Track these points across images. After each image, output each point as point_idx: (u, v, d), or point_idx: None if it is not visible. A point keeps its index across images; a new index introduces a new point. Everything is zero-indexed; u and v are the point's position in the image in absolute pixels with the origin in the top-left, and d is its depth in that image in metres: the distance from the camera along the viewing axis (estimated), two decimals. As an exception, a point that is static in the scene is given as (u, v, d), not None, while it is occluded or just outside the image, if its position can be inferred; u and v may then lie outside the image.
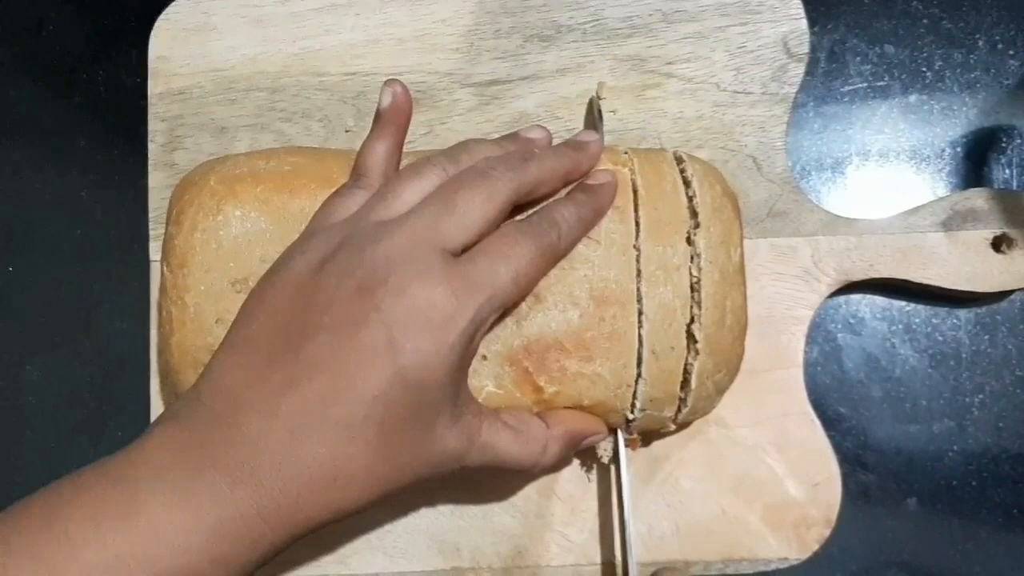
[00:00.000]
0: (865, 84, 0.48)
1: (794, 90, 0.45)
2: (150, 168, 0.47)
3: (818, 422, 0.43)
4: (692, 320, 0.38)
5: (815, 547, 0.43)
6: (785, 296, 0.44)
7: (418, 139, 0.46)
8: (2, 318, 0.50)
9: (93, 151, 0.51)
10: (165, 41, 0.47)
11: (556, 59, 0.46)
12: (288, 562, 0.44)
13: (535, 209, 0.37)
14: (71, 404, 0.49)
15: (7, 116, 0.51)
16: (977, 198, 0.44)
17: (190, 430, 0.32)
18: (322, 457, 0.31)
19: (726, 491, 0.43)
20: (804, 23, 0.46)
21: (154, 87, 0.47)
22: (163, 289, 0.39)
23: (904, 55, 0.48)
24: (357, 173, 0.38)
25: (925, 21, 0.49)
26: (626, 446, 0.41)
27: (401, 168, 0.39)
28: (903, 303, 0.47)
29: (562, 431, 0.37)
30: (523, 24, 0.47)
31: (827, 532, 0.43)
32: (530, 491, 0.44)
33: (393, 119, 0.39)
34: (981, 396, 0.46)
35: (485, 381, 0.37)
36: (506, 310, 0.36)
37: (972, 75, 0.48)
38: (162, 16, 0.47)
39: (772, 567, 0.43)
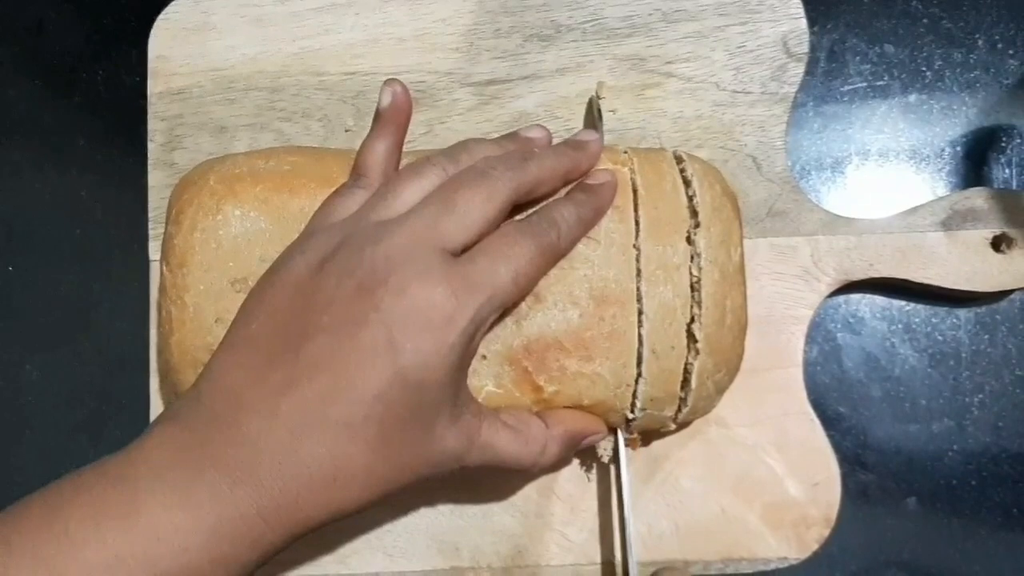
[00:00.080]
0: (865, 84, 0.48)
1: (794, 90, 0.45)
2: (150, 167, 0.47)
3: (818, 422, 0.43)
4: (692, 320, 0.38)
5: (815, 547, 0.43)
6: (785, 295, 0.44)
7: (418, 138, 0.46)
8: (2, 318, 0.50)
9: (93, 150, 0.51)
10: (165, 41, 0.47)
11: (556, 59, 0.46)
12: (288, 562, 0.44)
13: (535, 209, 0.37)
14: (71, 403, 0.49)
15: (7, 115, 0.51)
16: (977, 198, 0.44)
17: (190, 430, 0.32)
18: (322, 457, 0.31)
19: (726, 491, 0.43)
20: (804, 23, 0.46)
21: (154, 86, 0.47)
22: (163, 288, 0.39)
23: (904, 55, 0.48)
24: (357, 173, 0.38)
25: (925, 21, 0.49)
26: (626, 446, 0.41)
27: (401, 168, 0.39)
28: (903, 303, 0.47)
29: (562, 431, 0.37)
30: (523, 24, 0.47)
31: (827, 532, 0.43)
32: (530, 491, 0.44)
33: (393, 119, 0.39)
34: (981, 396, 0.46)
35: (485, 381, 0.37)
36: (506, 310, 0.36)
37: (972, 74, 0.48)
38: (162, 16, 0.47)
39: (772, 567, 0.43)
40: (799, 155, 0.48)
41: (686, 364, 0.38)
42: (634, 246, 0.38)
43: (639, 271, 0.37)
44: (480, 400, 0.37)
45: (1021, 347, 0.46)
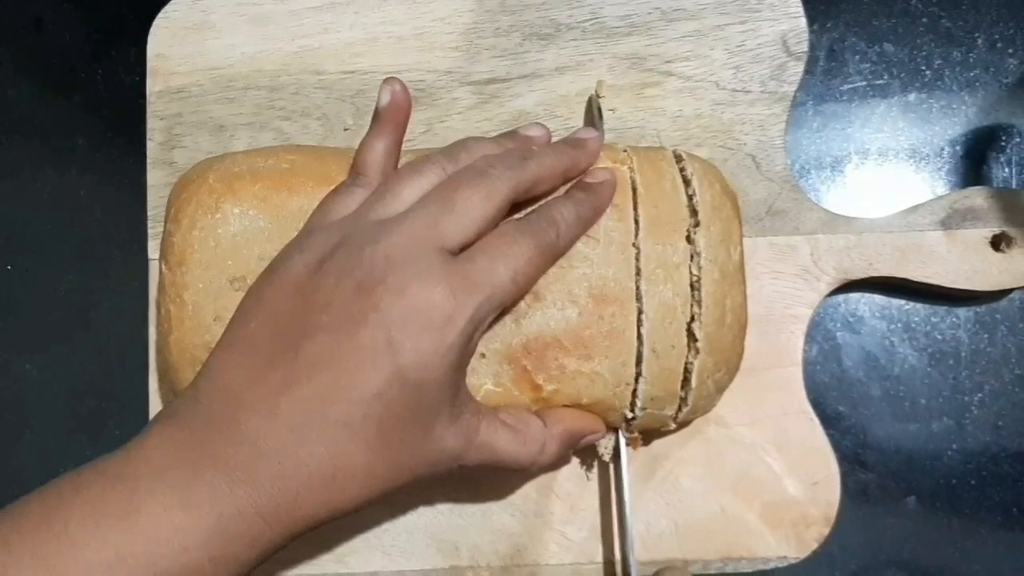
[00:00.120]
0: (864, 82, 0.48)
1: (793, 88, 0.45)
2: (149, 166, 0.47)
3: (817, 421, 0.43)
4: (692, 319, 0.38)
5: (814, 546, 0.43)
6: (784, 294, 0.44)
7: (417, 137, 0.46)
8: (1, 317, 0.50)
9: (92, 150, 0.51)
10: (164, 39, 0.47)
11: (555, 57, 0.46)
12: (287, 561, 0.44)
13: (534, 207, 0.37)
14: (70, 402, 0.49)
15: (6, 115, 0.51)
16: (976, 196, 0.44)
17: (189, 429, 0.32)
18: (321, 456, 0.31)
19: (725, 490, 0.43)
20: (803, 21, 0.46)
21: (153, 85, 0.47)
22: (161, 287, 0.39)
23: (903, 53, 0.48)
24: (355, 171, 0.38)
25: (924, 20, 0.49)
26: (627, 445, 0.41)
27: (400, 166, 0.39)
28: (902, 302, 0.47)
29: (560, 430, 0.37)
30: (522, 22, 0.47)
31: (826, 531, 0.43)
32: (529, 490, 0.44)
33: (392, 117, 0.39)
34: (980, 395, 0.46)
35: (484, 379, 0.37)
36: (505, 308, 0.36)
37: (971, 73, 0.48)
38: (161, 14, 0.47)
39: (771, 566, 0.43)
40: (799, 154, 0.48)
41: (686, 363, 0.38)
42: (633, 245, 0.38)
43: (639, 270, 0.37)
44: (479, 399, 0.37)
45: (1021, 346, 0.46)
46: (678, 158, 0.40)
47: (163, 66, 0.47)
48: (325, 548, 0.44)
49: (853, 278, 0.44)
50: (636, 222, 0.38)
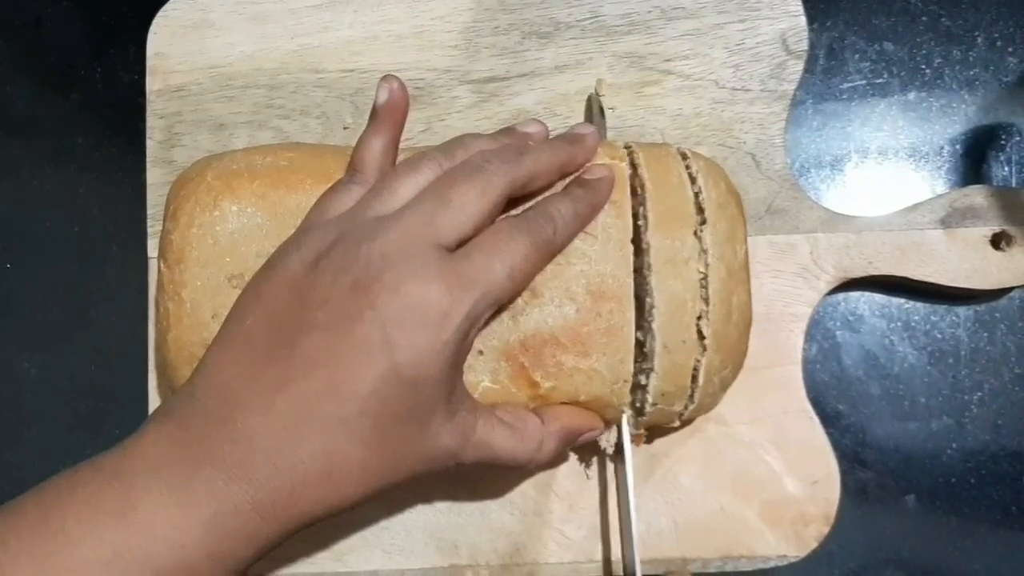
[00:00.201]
0: (864, 81, 0.48)
1: (793, 87, 0.45)
2: (148, 165, 0.47)
3: (817, 419, 0.43)
4: (700, 316, 0.37)
5: (813, 544, 0.43)
6: (784, 293, 0.44)
7: (416, 136, 0.46)
8: (1, 316, 0.50)
9: (91, 148, 0.51)
10: (163, 38, 0.47)
11: (555, 56, 0.46)
12: (285, 559, 0.44)
13: (531, 203, 0.37)
14: (69, 401, 0.49)
15: (5, 113, 0.51)
16: (976, 195, 0.44)
17: (185, 427, 0.32)
18: (317, 453, 0.31)
19: (725, 488, 0.43)
20: (803, 20, 0.46)
21: (152, 84, 0.47)
22: (160, 285, 0.39)
23: (903, 52, 0.48)
24: (353, 169, 0.38)
25: (924, 18, 0.49)
26: (632, 441, 0.40)
27: (397, 164, 0.39)
28: (902, 300, 0.47)
29: (558, 427, 0.37)
30: (521, 21, 0.47)
31: (826, 529, 0.43)
32: (528, 488, 0.44)
33: (389, 115, 0.39)
34: (980, 394, 0.46)
35: (481, 376, 0.37)
36: (502, 305, 0.35)
37: (971, 72, 0.48)
38: (160, 13, 0.47)
39: (771, 564, 0.43)
40: (798, 153, 0.48)
41: (694, 360, 0.38)
42: (635, 241, 0.37)
43: (648, 264, 0.37)
44: (476, 396, 0.36)
45: (1020, 345, 0.46)
46: (683, 156, 0.40)
47: (162, 64, 0.47)
48: (324, 547, 0.44)
49: (853, 277, 0.44)
50: (644, 218, 0.38)
